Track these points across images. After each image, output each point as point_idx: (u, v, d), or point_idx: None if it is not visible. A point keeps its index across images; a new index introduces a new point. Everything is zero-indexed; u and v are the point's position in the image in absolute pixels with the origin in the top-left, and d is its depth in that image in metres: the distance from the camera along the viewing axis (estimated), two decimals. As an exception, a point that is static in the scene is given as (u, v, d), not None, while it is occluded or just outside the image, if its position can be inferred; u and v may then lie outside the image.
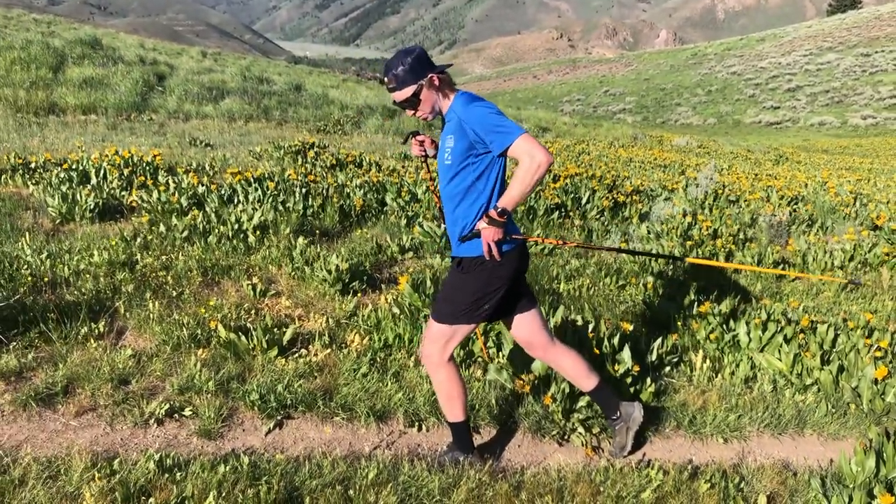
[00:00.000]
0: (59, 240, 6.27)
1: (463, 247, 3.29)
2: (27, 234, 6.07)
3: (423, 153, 3.80)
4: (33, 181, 7.94)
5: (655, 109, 67.03)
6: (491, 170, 3.22)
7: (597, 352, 4.12)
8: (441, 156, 3.33)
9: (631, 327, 4.75)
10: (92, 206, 7.09)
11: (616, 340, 4.31)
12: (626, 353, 4.18)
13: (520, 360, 4.28)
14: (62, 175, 8.00)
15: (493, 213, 3.11)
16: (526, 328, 3.52)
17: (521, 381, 4.07)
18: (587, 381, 3.61)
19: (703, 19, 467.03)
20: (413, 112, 3.27)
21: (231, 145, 13.76)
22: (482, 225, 3.15)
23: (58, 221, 6.87)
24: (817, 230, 9.27)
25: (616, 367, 4.10)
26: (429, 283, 5.03)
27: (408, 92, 3.18)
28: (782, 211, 9.64)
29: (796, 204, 10.64)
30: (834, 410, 4.33)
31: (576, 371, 3.58)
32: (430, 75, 3.19)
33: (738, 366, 4.65)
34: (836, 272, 7.10)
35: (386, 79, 3.22)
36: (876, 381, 4.31)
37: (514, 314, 3.52)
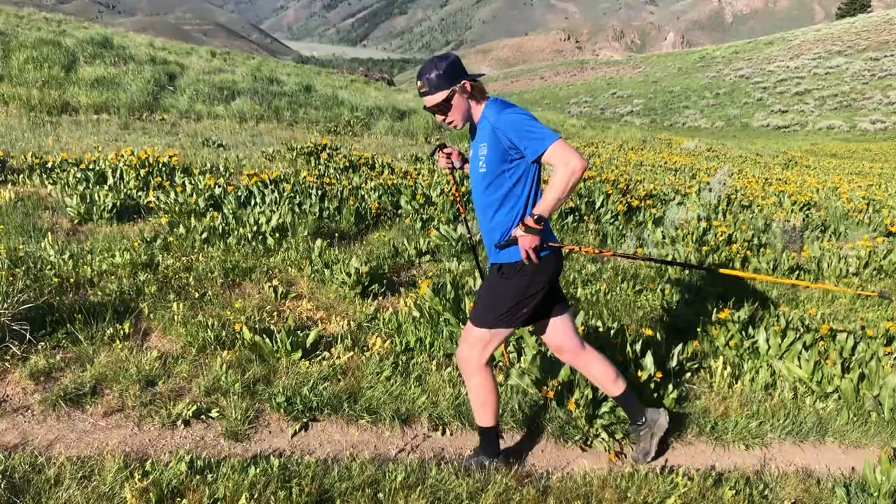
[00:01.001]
0: (79, 240, 6.32)
1: (502, 253, 3.32)
2: (48, 234, 6.11)
3: (451, 165, 3.84)
4: (50, 181, 8.00)
5: (663, 112, 66.93)
6: (527, 176, 3.25)
7: (619, 358, 4.15)
8: (475, 164, 3.36)
9: (653, 333, 4.78)
10: (110, 207, 7.14)
11: (638, 347, 4.34)
12: (648, 360, 4.21)
13: (541, 365, 4.31)
14: (79, 175, 8.06)
15: (529, 220, 3.13)
16: (558, 332, 3.55)
17: (546, 387, 4.10)
18: (615, 386, 3.64)
19: (711, 22, 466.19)
20: (443, 118, 3.30)
21: (244, 146, 13.83)
22: (519, 232, 3.17)
23: (76, 221, 6.92)
24: (830, 236, 9.28)
25: (640, 374, 4.12)
26: (449, 287, 5.07)
27: (440, 97, 3.21)
28: (795, 216, 9.65)
29: (809, 209, 10.65)
30: (855, 419, 4.35)
31: (605, 377, 3.61)
32: (463, 82, 3.22)
33: (757, 373, 4.67)
34: (851, 279, 7.11)
35: (419, 83, 3.25)
36: (897, 390, 4.33)
37: (547, 318, 3.55)
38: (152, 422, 3.81)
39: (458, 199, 4.28)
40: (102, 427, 3.75)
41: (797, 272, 7.04)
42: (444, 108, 3.25)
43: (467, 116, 3.32)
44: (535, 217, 3.12)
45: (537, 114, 34.73)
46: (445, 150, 3.82)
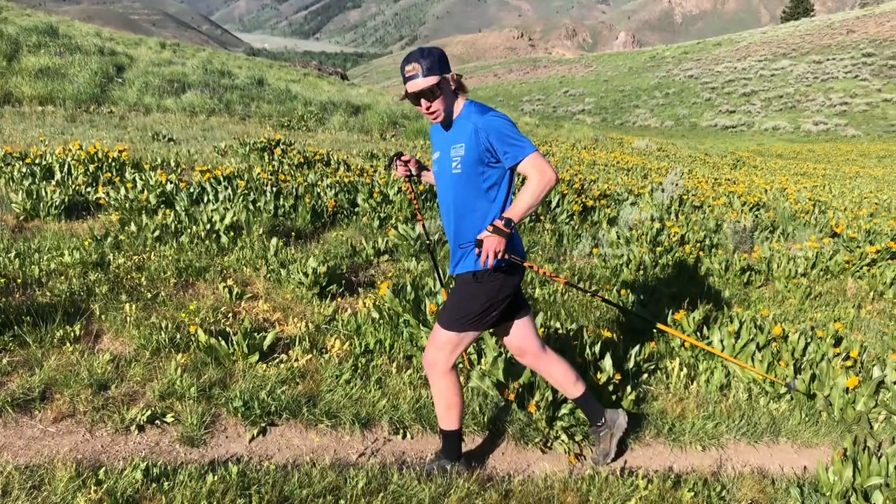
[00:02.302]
0: (26, 238, 6.13)
1: (469, 262, 3.31)
2: (-7, 231, 5.92)
3: (408, 173, 3.80)
4: (-7, 175, 7.72)
5: (614, 111, 67.71)
6: (502, 181, 3.26)
7: (579, 360, 4.17)
8: (446, 165, 3.31)
9: (610, 335, 4.82)
10: (58, 203, 6.94)
11: (597, 348, 4.37)
12: (607, 362, 4.23)
13: (504, 367, 4.31)
14: (24, 170, 7.80)
15: (498, 223, 3.12)
16: (520, 335, 3.55)
17: (507, 390, 4.10)
18: (575, 388, 3.65)
19: (661, 22, 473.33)
20: (428, 105, 3.20)
21: (195, 140, 13.57)
22: (485, 234, 3.14)
23: (22, 218, 6.70)
24: (779, 236, 9.48)
25: (599, 376, 4.15)
26: (409, 288, 5.03)
27: (430, 81, 3.14)
28: (745, 217, 9.84)
29: (758, 210, 10.87)
30: (807, 419, 4.45)
31: (566, 379, 3.62)
32: (451, 73, 3.23)
33: (713, 374, 4.75)
34: (800, 280, 7.27)
35: (409, 66, 3.16)
36: (847, 390, 4.44)
37: (510, 321, 3.54)
38: (105, 427, 3.70)
39: (416, 205, 4.25)
40: (52, 433, 3.63)
41: (748, 273, 7.16)
42: (431, 93, 3.17)
43: (449, 109, 3.27)
44: (505, 220, 3.11)
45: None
46: (403, 159, 3.79)
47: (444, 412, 3.50)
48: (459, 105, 3.29)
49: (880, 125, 51.86)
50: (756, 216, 10.11)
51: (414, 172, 3.83)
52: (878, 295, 7.08)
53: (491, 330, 3.62)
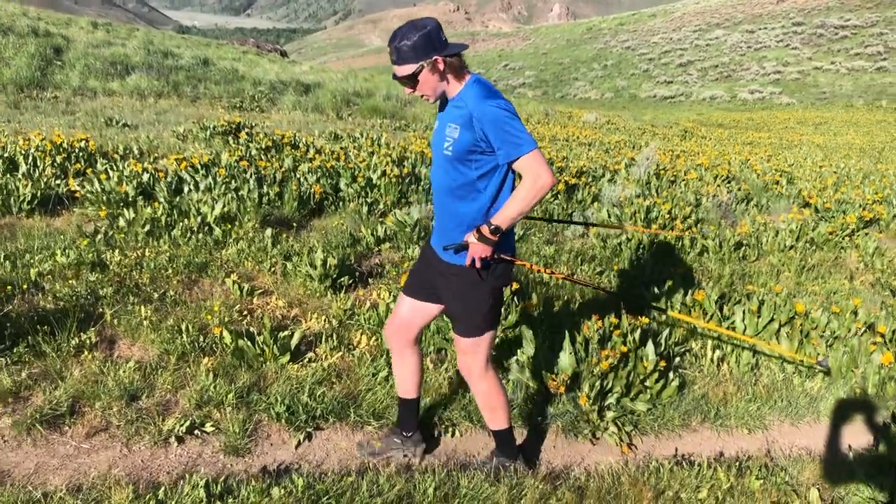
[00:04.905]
0: (4, 237, 5.78)
1: (457, 256, 3.10)
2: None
3: None
4: (-54, 170, 7.26)
5: (554, 84, 68.03)
6: (495, 172, 2.98)
7: (623, 348, 4.10)
8: (439, 142, 3.05)
9: (648, 321, 4.77)
10: (29, 198, 6.57)
11: (637, 335, 4.30)
12: (649, 348, 4.17)
13: (543, 359, 4.23)
14: (-15, 163, 7.36)
15: (484, 229, 2.91)
16: (424, 319, 3.43)
17: (555, 382, 4.02)
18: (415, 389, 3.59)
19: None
20: (411, 91, 2.97)
21: (150, 125, 13.08)
22: (471, 239, 2.95)
23: (-7, 215, 6.33)
24: (753, 208, 9.61)
25: (645, 364, 4.08)
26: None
27: (407, 70, 2.87)
28: (720, 190, 9.95)
29: (729, 183, 11.01)
30: (844, 397, 4.49)
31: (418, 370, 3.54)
32: (434, 58, 2.86)
33: (741, 353, 4.75)
34: (789, 253, 7.37)
35: (389, 48, 2.91)
36: (881, 367, 4.49)
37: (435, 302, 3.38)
38: (142, 440, 3.50)
39: None
40: (87, 450, 3.42)
41: (743, 248, 7.23)
42: (409, 80, 2.92)
43: (440, 92, 3.00)
44: (492, 227, 2.89)
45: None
46: None
47: (489, 414, 3.41)
48: (459, 85, 2.98)
49: (812, 93, 53.31)
50: (731, 189, 10.23)
51: None
52: (865, 266, 7.22)
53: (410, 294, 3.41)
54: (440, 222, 3.18)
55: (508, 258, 3.08)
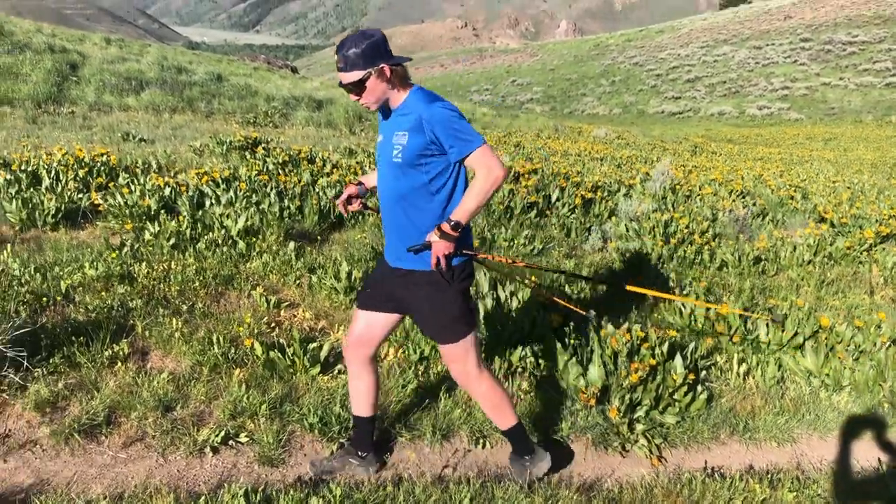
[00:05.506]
0: (30, 249, 5.85)
1: (419, 259, 3.12)
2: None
3: (363, 206, 3.61)
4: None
5: (562, 99, 68.24)
6: (447, 174, 3.05)
7: (652, 361, 4.13)
8: (386, 152, 3.11)
9: (676, 334, 4.79)
10: (54, 212, 6.65)
11: (665, 347, 4.32)
12: (678, 361, 4.20)
13: (573, 372, 4.25)
14: (9, 177, 7.45)
15: (445, 226, 2.96)
16: (386, 330, 3.44)
17: (585, 395, 4.05)
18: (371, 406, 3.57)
19: (601, 10, 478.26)
20: (357, 98, 3.05)
21: (166, 140, 13.19)
22: (433, 238, 2.98)
23: (18, 228, 6.40)
24: (768, 223, 9.63)
25: (674, 377, 4.10)
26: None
27: (354, 76, 2.94)
28: (736, 205, 9.98)
29: (744, 198, 11.03)
30: (872, 410, 4.50)
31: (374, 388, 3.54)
32: (381, 66, 2.95)
33: (767, 366, 4.76)
34: (807, 268, 7.38)
35: (336, 57, 2.97)
36: (910, 381, 4.51)
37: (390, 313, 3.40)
38: (177, 451, 3.54)
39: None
40: (124, 460, 3.46)
41: (762, 262, 7.25)
42: (357, 88, 2.99)
43: (383, 101, 3.08)
44: (452, 223, 2.95)
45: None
46: (341, 199, 3.57)
47: (494, 413, 3.42)
48: (403, 94, 3.07)
49: (821, 108, 53.35)
50: (747, 204, 10.26)
51: (364, 200, 3.62)
52: (884, 281, 7.23)
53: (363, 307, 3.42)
54: (396, 234, 3.18)
55: (471, 252, 3.14)
